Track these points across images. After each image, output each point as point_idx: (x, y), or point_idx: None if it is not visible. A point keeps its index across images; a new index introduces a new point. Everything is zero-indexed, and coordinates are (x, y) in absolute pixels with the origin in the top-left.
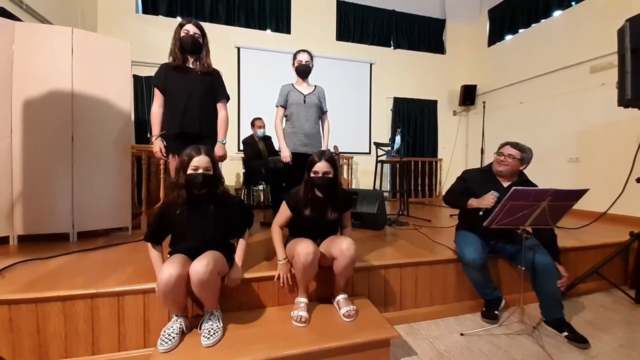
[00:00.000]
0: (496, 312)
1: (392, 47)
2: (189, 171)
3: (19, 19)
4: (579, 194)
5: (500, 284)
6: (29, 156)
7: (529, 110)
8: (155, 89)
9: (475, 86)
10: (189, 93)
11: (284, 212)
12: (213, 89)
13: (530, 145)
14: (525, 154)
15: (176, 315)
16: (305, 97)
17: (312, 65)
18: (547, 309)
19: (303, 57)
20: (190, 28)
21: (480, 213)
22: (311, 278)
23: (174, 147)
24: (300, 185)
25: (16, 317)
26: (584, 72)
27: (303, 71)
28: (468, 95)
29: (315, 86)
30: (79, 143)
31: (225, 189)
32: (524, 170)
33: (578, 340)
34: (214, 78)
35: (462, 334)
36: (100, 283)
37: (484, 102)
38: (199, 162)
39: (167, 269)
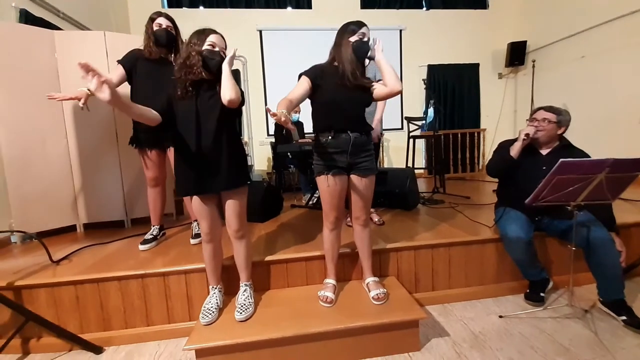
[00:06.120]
0: (542, 294)
1: (424, 9)
2: (205, 46)
3: (59, 28)
4: None
5: (549, 264)
6: (82, 154)
7: (591, 67)
8: (120, 66)
9: (525, 42)
10: (165, 85)
11: (300, 85)
12: None
13: (595, 107)
14: (562, 117)
15: (212, 288)
16: None
17: None
18: (605, 289)
19: None
20: (163, 21)
21: (524, 138)
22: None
23: (146, 140)
24: (325, 61)
25: (82, 295)
26: None
27: None
28: (516, 54)
29: None
30: (123, 140)
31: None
32: (565, 135)
33: (637, 325)
34: None
35: (500, 316)
36: (148, 265)
37: (534, 61)
38: (218, 40)
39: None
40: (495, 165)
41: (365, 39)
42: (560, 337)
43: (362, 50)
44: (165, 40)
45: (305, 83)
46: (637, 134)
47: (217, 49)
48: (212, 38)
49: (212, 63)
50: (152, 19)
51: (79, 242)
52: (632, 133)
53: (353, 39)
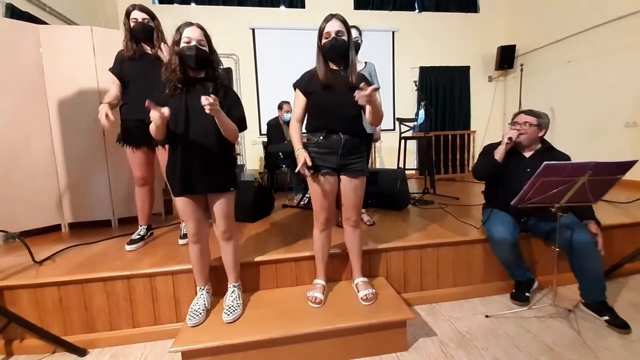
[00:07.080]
0: (527, 293)
1: (417, 11)
2: (182, 45)
3: (45, 22)
4: (626, 166)
5: (534, 264)
6: (68, 152)
7: (578, 71)
8: (112, 75)
9: (514, 46)
10: (152, 81)
11: (297, 101)
12: None
13: (581, 110)
14: (542, 119)
15: (200, 289)
16: None
17: None
18: (587, 291)
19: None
20: (138, 15)
21: (507, 142)
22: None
23: (132, 138)
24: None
25: (65, 296)
26: None
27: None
28: (506, 58)
29: None
30: (110, 137)
31: (223, 76)
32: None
33: (619, 325)
34: None
35: (487, 316)
36: (135, 265)
37: (522, 65)
38: (192, 33)
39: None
40: (481, 169)
41: (332, 37)
42: (545, 337)
43: (333, 51)
44: (143, 35)
45: (300, 96)
46: (623, 138)
47: (193, 42)
48: (186, 33)
49: (191, 60)
50: (127, 15)
51: (63, 242)
52: (618, 136)
53: (324, 41)
